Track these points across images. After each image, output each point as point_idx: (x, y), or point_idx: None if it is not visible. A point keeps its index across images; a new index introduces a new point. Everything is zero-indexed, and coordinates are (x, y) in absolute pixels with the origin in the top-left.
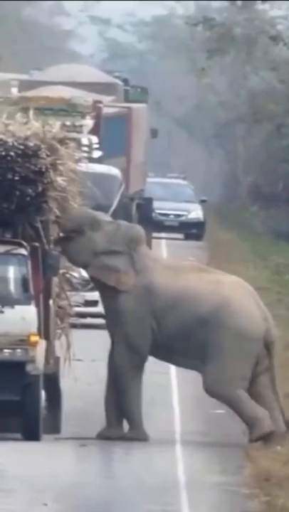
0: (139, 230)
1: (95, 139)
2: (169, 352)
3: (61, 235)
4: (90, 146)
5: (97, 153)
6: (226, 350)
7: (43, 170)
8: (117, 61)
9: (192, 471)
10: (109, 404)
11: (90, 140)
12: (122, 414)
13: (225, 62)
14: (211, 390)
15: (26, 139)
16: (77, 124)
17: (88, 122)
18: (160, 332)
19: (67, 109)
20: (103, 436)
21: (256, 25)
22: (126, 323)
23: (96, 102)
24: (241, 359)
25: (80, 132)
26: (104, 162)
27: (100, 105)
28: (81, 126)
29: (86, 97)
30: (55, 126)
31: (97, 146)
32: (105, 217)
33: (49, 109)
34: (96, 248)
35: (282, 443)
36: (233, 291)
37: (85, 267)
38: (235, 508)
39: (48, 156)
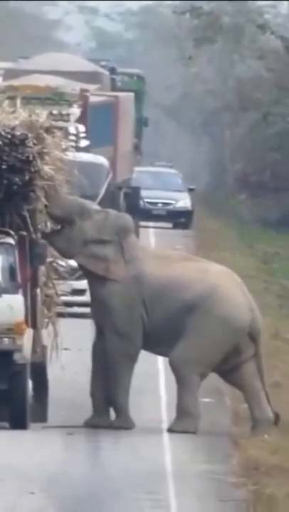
0: (128, 219)
1: (82, 128)
2: (157, 342)
3: (50, 227)
4: (77, 135)
5: (84, 142)
6: (201, 333)
7: (30, 159)
8: (104, 50)
9: (179, 459)
10: (95, 392)
11: (77, 129)
12: (109, 403)
13: (212, 51)
14: (172, 364)
15: (13, 128)
16: (64, 112)
17: (75, 111)
18: (149, 322)
19: (54, 97)
20: (90, 425)
21: (244, 14)
22: (115, 313)
23: (83, 90)
24: (214, 347)
25: (67, 121)
26: (91, 151)
27: (87, 94)
28: (68, 115)
29: (73, 86)
30: (42, 115)
31: (84, 135)
32: (94, 205)
33: (36, 98)
34: (86, 237)
35: (270, 432)
36: (219, 280)
37: (74, 256)
38: (222, 497)
39: (35, 144)
